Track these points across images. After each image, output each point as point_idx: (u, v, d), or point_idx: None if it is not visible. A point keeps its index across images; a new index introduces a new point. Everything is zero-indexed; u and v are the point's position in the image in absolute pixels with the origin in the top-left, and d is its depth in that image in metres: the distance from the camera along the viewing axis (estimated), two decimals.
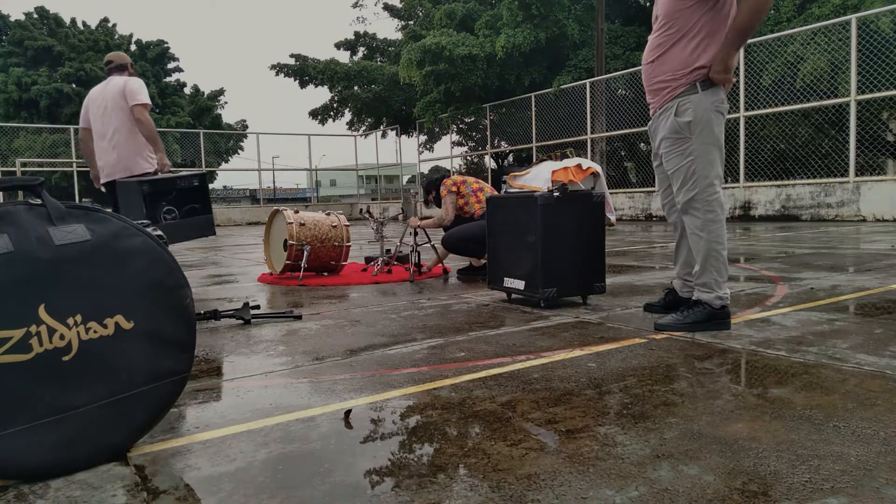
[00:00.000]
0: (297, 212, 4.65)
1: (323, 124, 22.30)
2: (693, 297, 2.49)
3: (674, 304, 2.73)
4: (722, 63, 2.34)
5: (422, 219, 4.63)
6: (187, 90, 32.73)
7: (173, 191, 3.75)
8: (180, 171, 4.00)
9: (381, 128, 22.54)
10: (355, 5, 23.72)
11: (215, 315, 2.95)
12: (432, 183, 4.72)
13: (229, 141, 29.64)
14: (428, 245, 4.70)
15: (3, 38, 29.11)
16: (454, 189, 4.46)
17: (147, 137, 4.08)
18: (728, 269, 2.46)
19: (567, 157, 3.30)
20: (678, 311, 2.50)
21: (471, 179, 4.56)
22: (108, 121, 4.12)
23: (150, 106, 4.10)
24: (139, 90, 4.08)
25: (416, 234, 4.62)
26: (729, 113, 12.14)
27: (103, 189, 4.30)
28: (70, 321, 1.29)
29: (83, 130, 4.39)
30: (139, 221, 1.48)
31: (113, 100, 4.10)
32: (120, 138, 4.10)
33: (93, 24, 31.25)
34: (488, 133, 17.98)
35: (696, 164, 2.40)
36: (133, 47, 31.71)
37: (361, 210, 5.75)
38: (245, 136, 30.20)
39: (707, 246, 2.41)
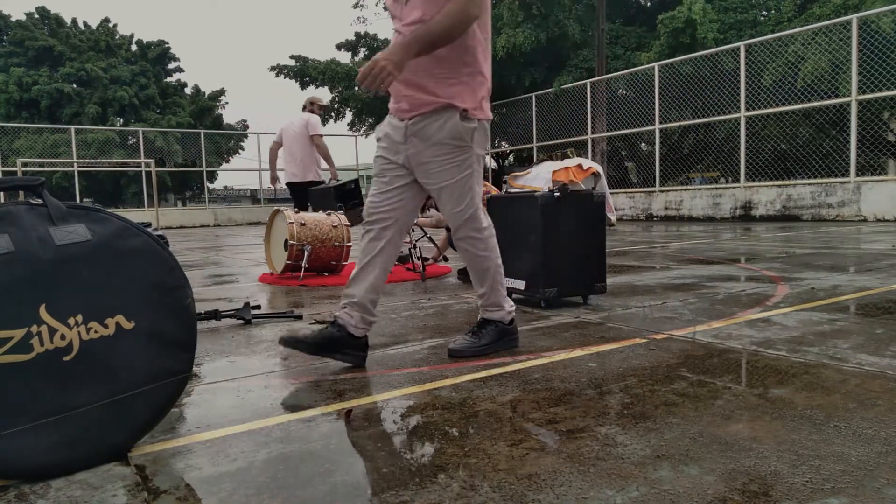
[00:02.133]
0: (297, 212, 4.65)
1: (324, 125, 22.28)
2: (482, 317, 2.24)
3: (339, 343, 2.07)
4: (401, 53, 1.81)
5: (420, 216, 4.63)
6: (188, 90, 32.75)
7: (342, 192, 5.53)
8: (343, 180, 6.04)
9: None
10: (356, 5, 23.72)
11: (216, 315, 2.95)
12: None
13: (230, 141, 29.65)
14: (426, 240, 4.69)
15: (4, 38, 29.13)
16: None
17: (323, 156, 6.35)
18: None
19: (568, 157, 3.30)
20: (469, 333, 2.23)
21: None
22: (294, 142, 6.30)
23: (323, 135, 6.40)
24: (317, 124, 6.32)
25: (411, 230, 4.60)
26: (730, 113, 12.16)
27: (275, 185, 7.10)
28: (71, 321, 1.29)
29: (275, 144, 6.59)
30: (140, 222, 1.48)
31: (299, 128, 6.28)
32: (301, 154, 6.29)
33: (94, 24, 31.29)
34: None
35: (473, 180, 2.07)
36: (134, 47, 31.74)
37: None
38: (245, 136, 30.21)
39: (494, 264, 2.17)
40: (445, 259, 5.14)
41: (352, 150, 23.20)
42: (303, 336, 2.06)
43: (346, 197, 5.50)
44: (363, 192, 5.81)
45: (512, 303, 2.27)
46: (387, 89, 1.85)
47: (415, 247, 4.57)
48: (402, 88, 2.03)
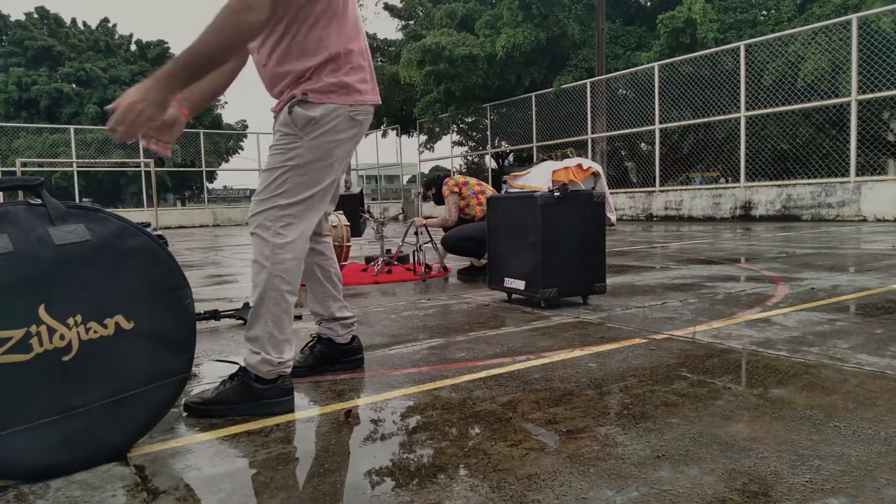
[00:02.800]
0: None
1: None
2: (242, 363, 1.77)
3: (332, 356, 2.02)
4: (159, 89, 1.44)
5: (426, 218, 4.65)
6: None
7: (348, 199, 5.64)
8: (353, 188, 6.48)
9: (382, 128, 22.53)
10: None
11: (215, 315, 2.95)
12: (433, 180, 4.74)
13: (229, 141, 29.65)
14: (430, 245, 4.70)
15: (4, 38, 29.12)
16: (456, 190, 4.47)
17: None
18: (292, 326, 1.74)
19: (567, 156, 3.30)
20: (222, 383, 1.75)
21: (473, 181, 4.55)
22: None
23: None
24: None
25: (418, 233, 4.62)
26: (730, 112, 12.16)
27: None
28: (70, 321, 1.28)
29: None
30: (139, 222, 1.48)
31: None
32: None
33: (93, 24, 31.28)
34: (489, 133, 17.97)
35: (293, 174, 1.66)
36: (133, 47, 31.74)
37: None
38: (245, 136, 30.22)
39: (267, 282, 1.66)
40: (446, 269, 5.16)
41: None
42: (295, 364, 1.95)
43: (352, 205, 5.55)
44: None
45: (289, 356, 1.72)
46: (152, 137, 1.51)
47: (420, 248, 4.57)
48: (269, 89, 1.81)
